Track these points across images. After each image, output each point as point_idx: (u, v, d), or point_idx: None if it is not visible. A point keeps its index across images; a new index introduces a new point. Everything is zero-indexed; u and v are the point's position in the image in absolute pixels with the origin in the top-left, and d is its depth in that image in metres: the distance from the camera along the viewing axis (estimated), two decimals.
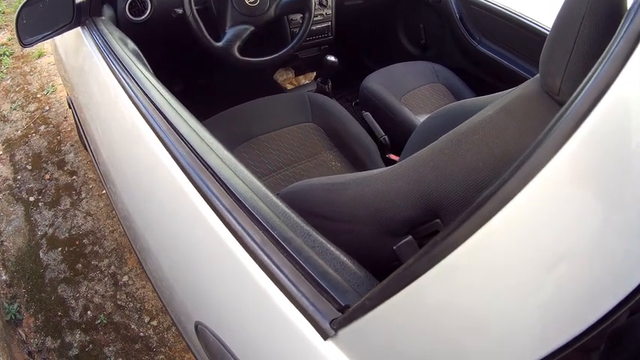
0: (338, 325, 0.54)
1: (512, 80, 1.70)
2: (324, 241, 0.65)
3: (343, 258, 0.63)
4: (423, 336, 0.47)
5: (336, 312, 0.56)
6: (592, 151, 0.34)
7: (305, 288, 0.60)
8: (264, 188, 0.74)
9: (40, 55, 3.15)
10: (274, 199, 0.72)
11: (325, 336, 0.56)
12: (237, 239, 0.69)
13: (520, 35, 1.74)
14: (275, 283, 0.63)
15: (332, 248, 0.64)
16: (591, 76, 0.36)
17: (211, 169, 0.78)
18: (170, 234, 0.91)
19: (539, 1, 1.82)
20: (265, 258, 0.64)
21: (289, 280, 0.61)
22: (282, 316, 0.61)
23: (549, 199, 0.36)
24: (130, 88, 1.06)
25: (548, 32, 1.47)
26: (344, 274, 0.60)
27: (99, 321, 1.73)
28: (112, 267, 1.92)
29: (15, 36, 3.34)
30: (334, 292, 0.57)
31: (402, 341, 0.49)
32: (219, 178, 0.76)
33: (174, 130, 0.89)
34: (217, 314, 0.78)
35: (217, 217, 0.74)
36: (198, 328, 0.82)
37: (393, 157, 1.63)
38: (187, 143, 0.85)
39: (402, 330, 0.48)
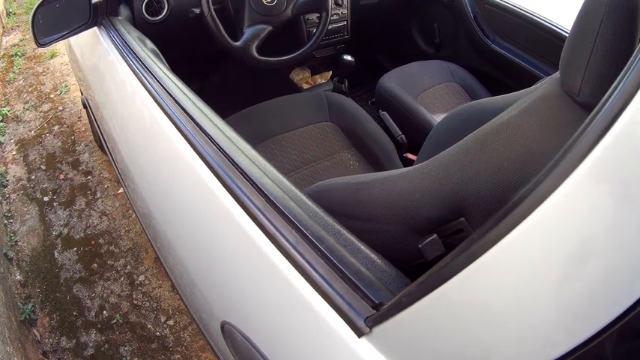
0: (373, 322, 0.54)
1: (527, 79, 1.70)
2: (354, 240, 0.65)
3: (374, 256, 0.64)
4: (457, 333, 0.47)
5: (371, 309, 0.56)
6: (626, 151, 0.35)
7: (339, 286, 0.60)
8: (293, 187, 0.75)
9: (52, 56, 3.17)
10: (304, 198, 0.72)
11: (360, 333, 0.56)
12: (269, 239, 0.70)
13: (534, 34, 1.74)
14: (309, 282, 0.63)
15: (362, 247, 0.65)
16: (622, 78, 0.37)
17: (241, 168, 0.79)
18: (195, 232, 0.92)
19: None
20: (299, 257, 0.65)
21: (323, 278, 0.61)
22: (316, 314, 0.61)
23: (584, 198, 0.36)
24: (153, 87, 1.07)
25: (561, 30, 1.45)
26: (375, 272, 0.61)
27: (115, 320, 1.74)
28: (128, 267, 1.92)
29: (27, 37, 3.41)
30: (368, 290, 0.58)
31: (436, 338, 0.49)
32: (250, 177, 0.76)
33: (200, 129, 0.90)
34: (247, 314, 0.78)
35: (249, 217, 0.74)
36: (225, 327, 0.82)
37: (410, 156, 1.64)
38: (215, 142, 0.86)
39: (438, 327, 0.49)
